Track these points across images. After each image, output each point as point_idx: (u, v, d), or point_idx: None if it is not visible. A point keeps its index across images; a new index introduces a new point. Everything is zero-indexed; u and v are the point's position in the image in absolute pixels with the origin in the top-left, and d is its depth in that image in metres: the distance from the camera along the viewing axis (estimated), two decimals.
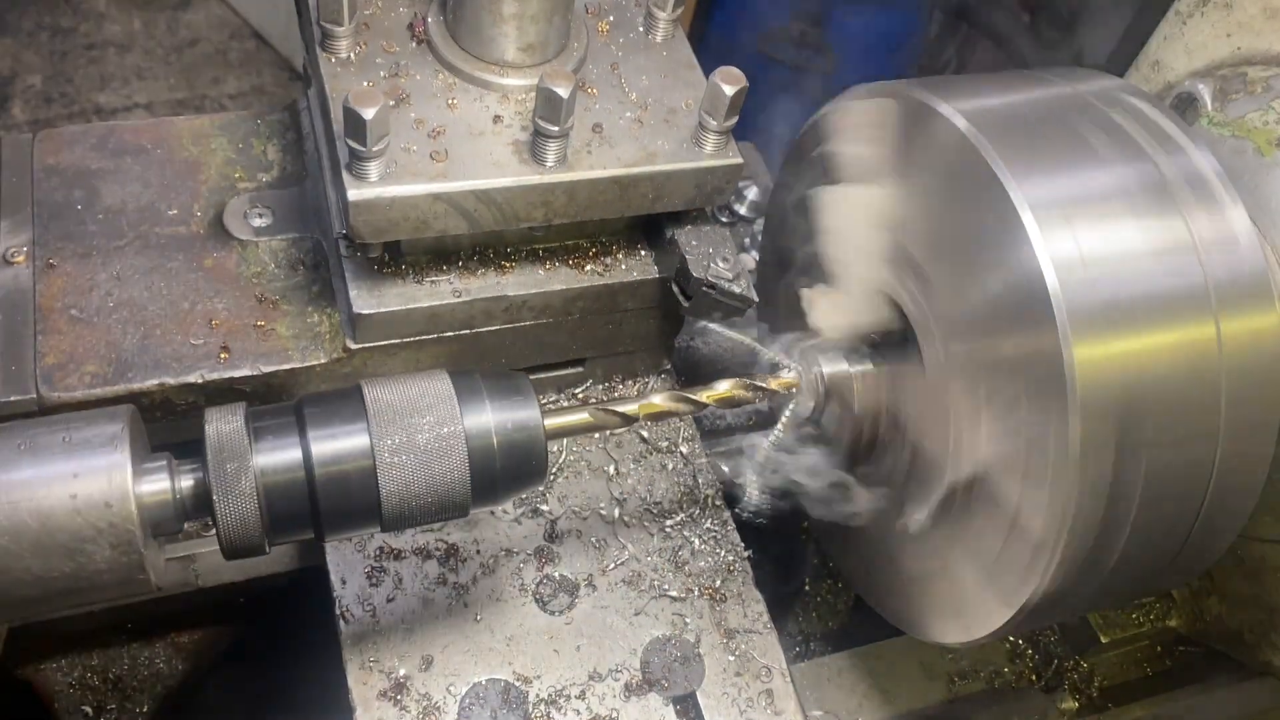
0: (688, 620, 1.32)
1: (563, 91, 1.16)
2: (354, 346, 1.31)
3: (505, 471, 1.06)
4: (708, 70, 1.29)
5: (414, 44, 1.32)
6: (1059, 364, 0.98)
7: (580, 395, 1.50)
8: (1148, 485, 1.03)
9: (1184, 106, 1.34)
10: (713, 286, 1.30)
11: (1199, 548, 1.12)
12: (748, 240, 1.88)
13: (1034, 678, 1.56)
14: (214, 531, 0.99)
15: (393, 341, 1.32)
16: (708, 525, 1.41)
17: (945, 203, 1.11)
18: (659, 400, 1.17)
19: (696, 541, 1.39)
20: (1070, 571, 1.04)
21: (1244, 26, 1.36)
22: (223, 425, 1.00)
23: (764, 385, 1.22)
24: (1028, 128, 1.09)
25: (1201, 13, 1.40)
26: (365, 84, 1.24)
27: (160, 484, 0.98)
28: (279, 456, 1.00)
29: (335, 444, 1.01)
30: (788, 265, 1.42)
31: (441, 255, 1.33)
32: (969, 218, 1.08)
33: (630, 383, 1.53)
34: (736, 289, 1.31)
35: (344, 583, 1.29)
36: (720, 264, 1.31)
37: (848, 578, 1.45)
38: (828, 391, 1.25)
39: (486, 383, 1.07)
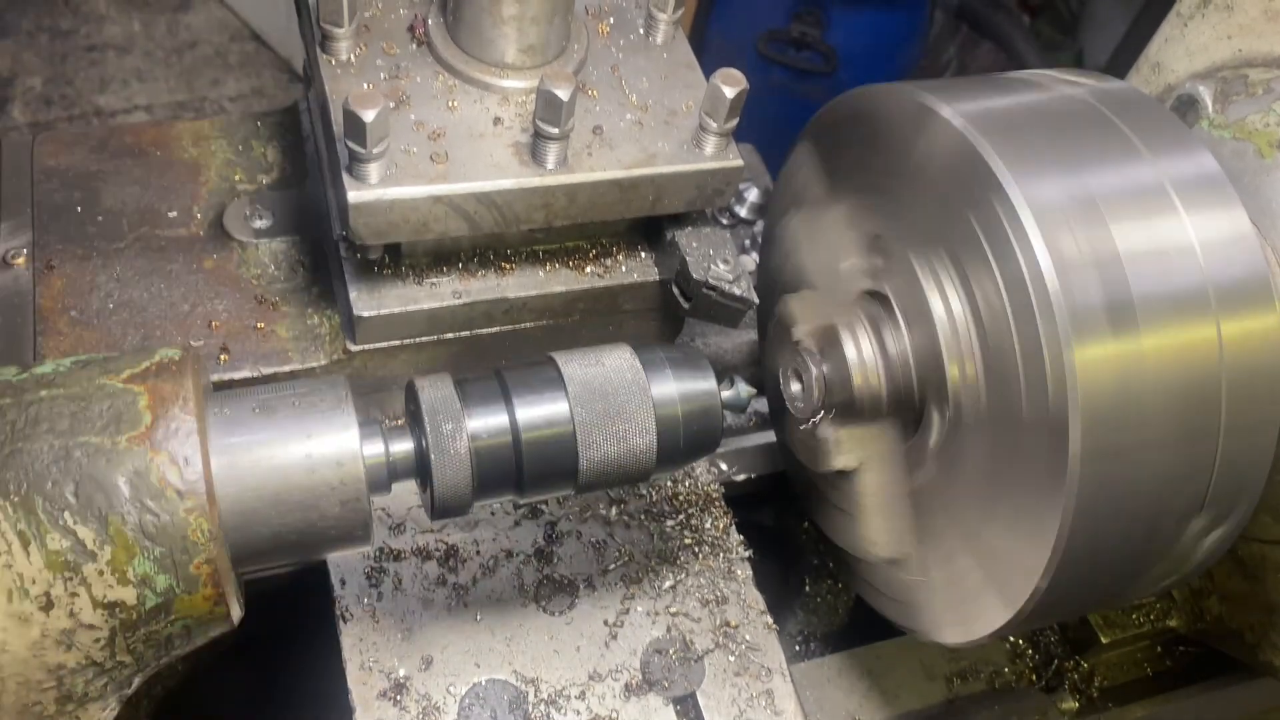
0: (687, 620, 1.33)
1: (563, 94, 1.16)
2: (354, 348, 1.31)
3: (687, 439, 1.13)
4: (708, 72, 1.29)
5: (414, 46, 1.32)
6: (1060, 365, 0.98)
7: None
8: (1148, 485, 1.03)
9: (1185, 108, 1.34)
10: (713, 288, 1.30)
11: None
12: (748, 242, 1.89)
13: (1034, 678, 1.56)
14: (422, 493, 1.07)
15: (393, 343, 1.32)
16: (707, 526, 1.41)
17: (945, 205, 1.11)
18: None
19: (695, 542, 1.39)
20: (1070, 572, 1.04)
21: (1245, 28, 1.36)
22: (435, 392, 1.06)
23: None
24: (1028, 130, 1.09)
25: (1202, 15, 1.40)
26: (365, 86, 1.24)
27: (377, 446, 1.03)
28: (489, 421, 1.06)
29: (538, 410, 1.08)
30: (788, 267, 1.42)
31: (441, 257, 1.33)
32: (969, 220, 1.08)
33: None
34: (737, 291, 1.31)
35: (344, 583, 1.29)
36: (721, 266, 1.31)
37: (847, 577, 1.45)
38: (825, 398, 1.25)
39: (668, 356, 1.14)
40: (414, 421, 1.07)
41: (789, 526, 1.84)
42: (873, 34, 3.76)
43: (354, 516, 1.00)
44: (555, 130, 1.20)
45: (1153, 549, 1.10)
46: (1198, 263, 1.04)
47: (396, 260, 1.31)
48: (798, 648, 1.77)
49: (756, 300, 1.32)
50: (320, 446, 0.98)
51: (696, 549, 1.39)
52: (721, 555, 1.39)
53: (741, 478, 1.65)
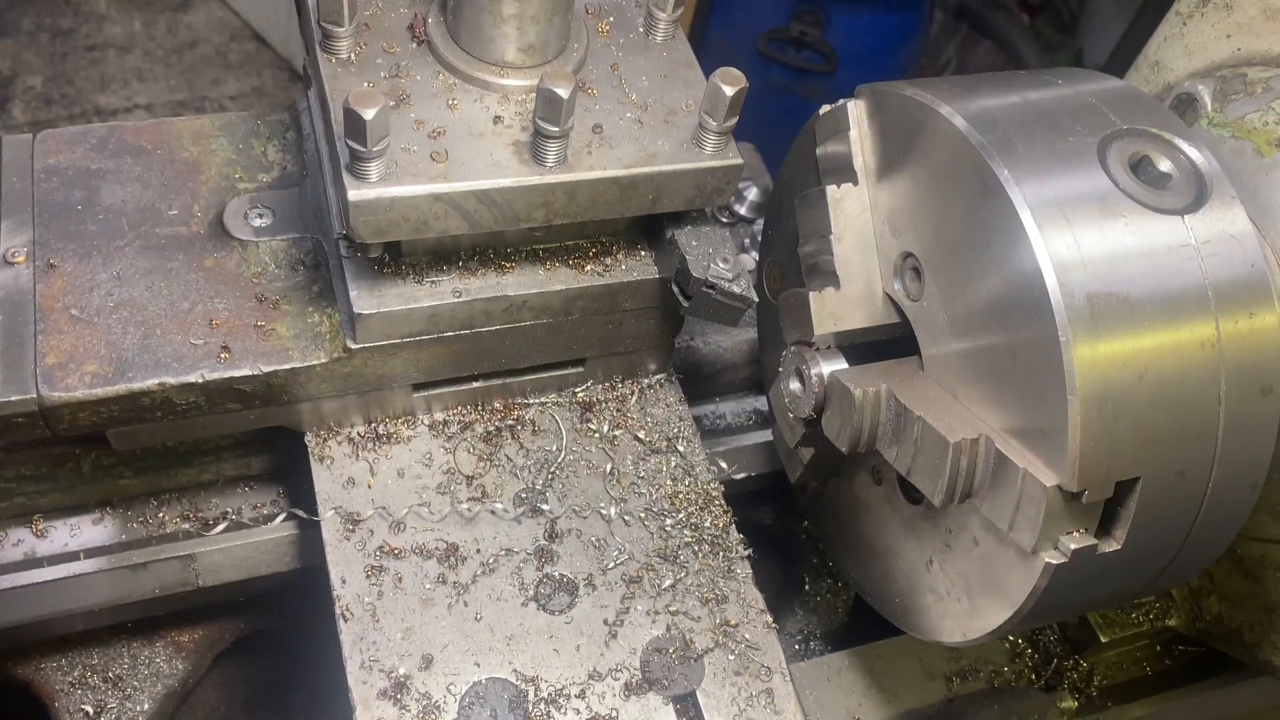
0: (687, 619, 1.33)
1: (563, 92, 1.16)
2: (354, 346, 1.31)
3: None
4: (708, 71, 1.29)
5: (414, 45, 1.32)
6: (1058, 364, 0.98)
7: (580, 395, 1.50)
8: (1146, 484, 1.03)
9: (1184, 107, 1.34)
10: (713, 287, 1.30)
11: (1198, 548, 1.12)
12: (747, 240, 1.89)
13: (1033, 677, 1.56)
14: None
15: (393, 341, 1.32)
16: (707, 525, 1.41)
17: (945, 203, 1.11)
18: None
19: (695, 541, 1.39)
20: (1069, 571, 1.04)
21: (1244, 27, 1.36)
22: None
23: None
24: (1027, 129, 1.09)
25: (1201, 14, 1.40)
26: (365, 85, 1.24)
27: None
28: None
29: None
30: (787, 265, 1.42)
31: (442, 255, 1.33)
32: (968, 218, 1.08)
33: (630, 382, 1.53)
34: (736, 289, 1.31)
35: (344, 582, 1.29)
36: (720, 264, 1.31)
37: (847, 577, 1.45)
38: (827, 394, 1.25)
39: None
40: None
41: (788, 525, 1.84)
42: (872, 33, 3.77)
43: None
44: (555, 129, 1.20)
45: (1151, 548, 1.10)
46: (1197, 261, 1.04)
47: (397, 258, 1.31)
48: (798, 646, 1.77)
49: (755, 299, 1.32)
50: None
51: (696, 547, 1.39)
52: (721, 554, 1.39)
53: (741, 476, 1.65)
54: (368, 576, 1.30)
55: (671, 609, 1.33)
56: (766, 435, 1.69)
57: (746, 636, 1.33)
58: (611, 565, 1.36)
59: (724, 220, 1.91)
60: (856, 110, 1.23)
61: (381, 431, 1.42)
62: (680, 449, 1.48)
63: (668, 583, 1.35)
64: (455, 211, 1.21)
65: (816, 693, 1.46)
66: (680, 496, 1.43)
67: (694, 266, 1.31)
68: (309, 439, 1.40)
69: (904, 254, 1.19)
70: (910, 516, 1.26)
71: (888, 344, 1.26)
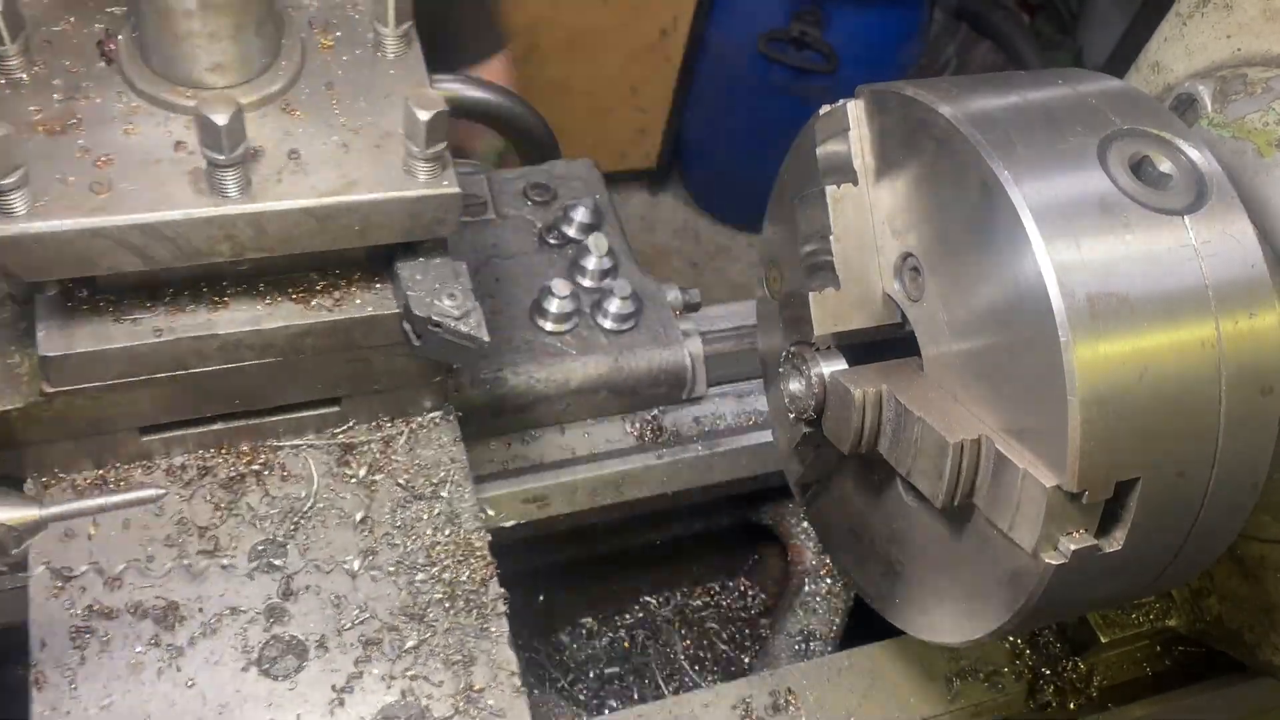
0: (427, 684, 1.21)
1: (219, 119, 1.05)
2: (50, 390, 1.19)
3: None
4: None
5: (102, 64, 1.21)
6: (1059, 364, 0.98)
7: (341, 436, 1.38)
8: (1146, 485, 1.03)
9: (1184, 108, 1.34)
10: (439, 325, 1.20)
11: (1198, 548, 1.12)
12: (581, 261, 1.72)
13: (1033, 677, 1.55)
14: None
15: (94, 385, 1.20)
16: (464, 579, 1.30)
17: (945, 203, 1.11)
18: None
19: (448, 597, 1.28)
20: (1069, 572, 1.04)
21: (1244, 28, 1.36)
22: None
23: None
24: (1027, 129, 1.09)
25: (1202, 14, 1.40)
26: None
27: None
28: None
29: None
30: (787, 265, 1.42)
31: (146, 290, 1.20)
32: (968, 218, 1.08)
33: (400, 421, 1.40)
34: (464, 328, 1.20)
35: (43, 645, 1.16)
36: (446, 301, 1.21)
37: (847, 577, 1.45)
38: (826, 394, 1.25)
39: None
40: None
41: (788, 526, 1.84)
42: (872, 33, 3.78)
43: None
44: (221, 157, 1.09)
45: (1151, 549, 1.10)
46: (1197, 262, 1.04)
47: (93, 293, 1.19)
48: (798, 646, 1.77)
49: (487, 339, 1.22)
50: None
51: (449, 604, 1.27)
52: (475, 611, 1.27)
53: (741, 476, 1.65)
54: (72, 639, 1.17)
55: (410, 673, 1.21)
56: (766, 435, 1.69)
57: (490, 703, 1.21)
58: (349, 625, 1.24)
59: (552, 241, 1.74)
60: (856, 110, 1.23)
61: (110, 478, 1.30)
62: (444, 494, 1.35)
63: (410, 643, 1.23)
64: (122, 247, 1.10)
65: (816, 693, 1.46)
66: (439, 547, 1.32)
67: (416, 304, 1.20)
68: (29, 486, 1.28)
69: (904, 254, 1.19)
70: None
71: (888, 344, 1.26)
